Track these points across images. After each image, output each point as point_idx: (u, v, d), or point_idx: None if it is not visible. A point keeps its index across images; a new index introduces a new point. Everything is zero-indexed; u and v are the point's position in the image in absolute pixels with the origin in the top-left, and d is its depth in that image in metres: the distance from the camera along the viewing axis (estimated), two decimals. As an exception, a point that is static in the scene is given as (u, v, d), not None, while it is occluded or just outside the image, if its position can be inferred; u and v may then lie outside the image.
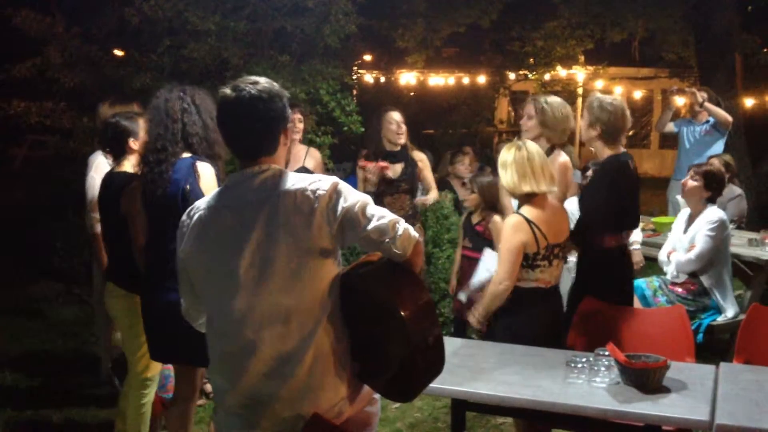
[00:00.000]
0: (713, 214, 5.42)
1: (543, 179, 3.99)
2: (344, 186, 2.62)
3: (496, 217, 5.65)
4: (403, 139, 5.88)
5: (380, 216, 2.59)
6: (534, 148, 4.06)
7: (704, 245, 5.32)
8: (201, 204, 2.70)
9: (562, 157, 4.65)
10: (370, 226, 2.56)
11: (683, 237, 5.54)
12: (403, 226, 2.62)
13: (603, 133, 4.40)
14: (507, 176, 4.03)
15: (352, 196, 2.60)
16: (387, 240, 2.58)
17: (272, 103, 2.63)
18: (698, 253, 5.33)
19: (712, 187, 5.48)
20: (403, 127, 5.87)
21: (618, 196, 4.38)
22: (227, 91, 2.63)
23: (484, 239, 5.74)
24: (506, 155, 4.05)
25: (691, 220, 5.57)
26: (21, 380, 5.69)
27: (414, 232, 2.66)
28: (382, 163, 5.79)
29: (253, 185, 2.60)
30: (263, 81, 2.65)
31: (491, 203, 5.60)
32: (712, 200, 5.51)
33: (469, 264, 5.79)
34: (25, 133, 14.56)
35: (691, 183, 5.52)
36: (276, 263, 2.53)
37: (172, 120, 3.76)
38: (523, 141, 4.12)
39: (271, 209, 2.55)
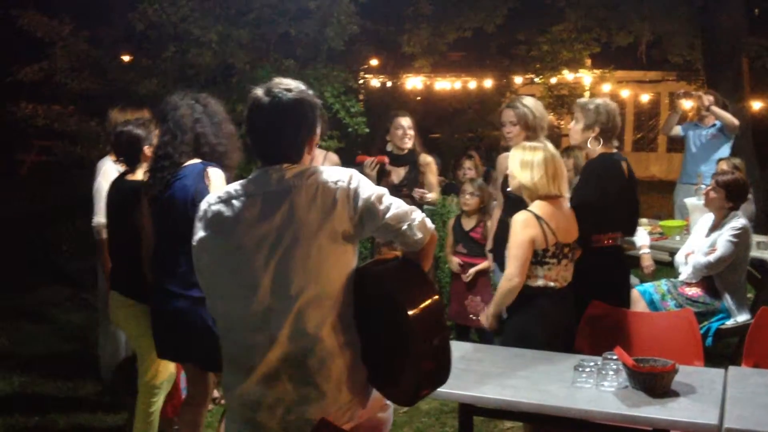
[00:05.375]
0: (737, 221, 5.40)
1: (563, 182, 4.03)
2: (361, 177, 2.65)
3: (489, 224, 5.69)
4: (409, 144, 5.88)
5: (397, 204, 2.63)
6: (554, 149, 4.07)
7: (725, 250, 5.30)
8: (221, 193, 2.68)
9: None
10: (389, 214, 2.59)
11: (704, 240, 5.52)
12: (419, 214, 2.66)
13: (601, 134, 4.49)
14: (533, 176, 4.01)
15: (369, 187, 2.62)
16: (406, 226, 2.61)
17: (303, 113, 2.64)
18: (718, 256, 5.31)
19: (733, 197, 5.46)
20: (410, 132, 5.87)
21: (604, 192, 4.42)
22: (260, 94, 2.63)
23: (479, 245, 5.78)
24: (530, 156, 4.04)
25: (714, 225, 5.54)
26: (28, 385, 5.70)
27: (429, 222, 2.70)
28: (380, 156, 5.80)
29: (274, 177, 2.61)
30: (296, 88, 2.65)
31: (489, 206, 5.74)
32: (735, 209, 5.49)
33: (465, 270, 5.84)
34: (32, 139, 14.62)
35: (713, 194, 5.50)
36: (294, 255, 2.52)
37: (182, 130, 3.75)
38: (543, 142, 4.13)
39: (292, 201, 2.55)
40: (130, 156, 4.31)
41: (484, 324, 4.19)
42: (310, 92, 2.68)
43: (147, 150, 4.24)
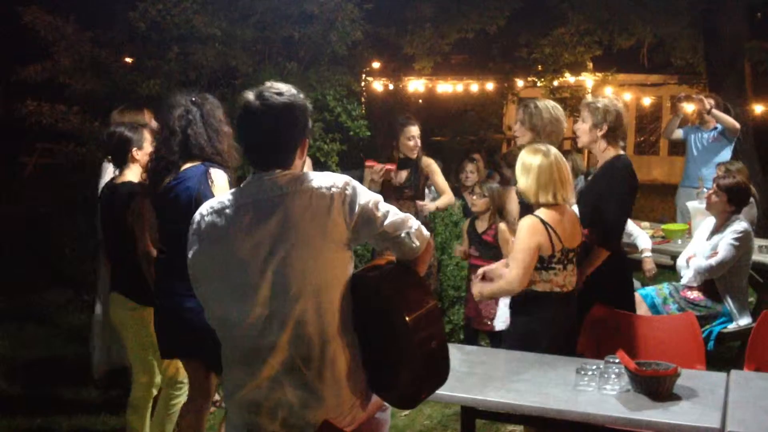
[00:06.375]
0: (739, 225, 5.41)
1: (565, 189, 3.96)
2: (357, 183, 2.64)
3: (502, 225, 5.65)
4: (417, 153, 5.95)
5: (394, 212, 2.63)
6: (560, 155, 4.02)
7: (726, 253, 5.30)
8: (214, 203, 2.68)
9: None
10: (387, 222, 2.60)
11: (706, 243, 5.53)
12: (415, 222, 2.66)
13: (609, 132, 4.44)
14: (528, 181, 3.98)
15: (366, 194, 2.62)
16: (403, 234, 2.61)
17: (295, 116, 2.63)
18: (720, 260, 5.31)
19: (735, 200, 5.46)
20: (419, 141, 5.94)
21: (632, 193, 4.46)
22: (251, 98, 2.62)
23: (492, 247, 5.74)
24: (531, 159, 3.98)
25: (716, 229, 5.55)
26: (30, 387, 5.70)
27: (425, 230, 2.70)
28: (389, 165, 5.82)
29: (267, 185, 2.60)
30: (287, 91, 2.64)
31: (500, 209, 5.62)
32: (737, 212, 5.50)
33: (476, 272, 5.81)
34: (35, 142, 14.61)
35: (714, 198, 5.50)
36: (292, 262, 2.52)
37: (172, 131, 3.77)
38: (548, 147, 4.07)
39: (286, 207, 2.55)
40: (117, 157, 4.36)
41: (473, 292, 4.35)
42: (301, 95, 2.68)
43: (135, 152, 4.27)
